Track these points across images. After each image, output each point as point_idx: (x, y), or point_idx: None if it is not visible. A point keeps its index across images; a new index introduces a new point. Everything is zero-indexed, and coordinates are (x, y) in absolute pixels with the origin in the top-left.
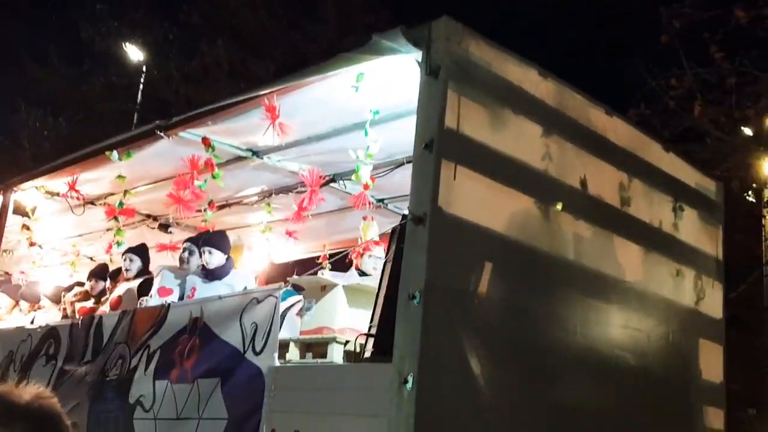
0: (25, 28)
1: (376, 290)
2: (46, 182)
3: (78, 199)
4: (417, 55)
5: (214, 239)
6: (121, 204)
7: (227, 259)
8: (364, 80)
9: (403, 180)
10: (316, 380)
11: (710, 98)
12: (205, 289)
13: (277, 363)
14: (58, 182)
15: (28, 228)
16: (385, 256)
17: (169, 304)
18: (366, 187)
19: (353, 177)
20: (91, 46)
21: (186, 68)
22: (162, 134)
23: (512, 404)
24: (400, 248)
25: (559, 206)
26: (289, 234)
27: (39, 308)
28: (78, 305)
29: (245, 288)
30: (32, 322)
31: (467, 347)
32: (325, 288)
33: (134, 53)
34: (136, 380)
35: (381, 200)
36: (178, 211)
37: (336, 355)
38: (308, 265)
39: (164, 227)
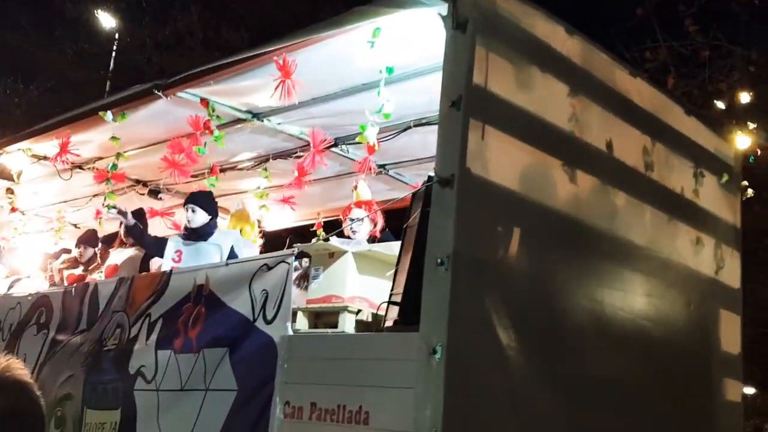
0: None
1: (397, 256)
2: (32, 145)
3: (65, 163)
4: (441, 8)
5: (198, 197)
6: (114, 167)
7: (211, 219)
8: (381, 36)
9: (407, 145)
10: (334, 350)
11: (684, 71)
12: (190, 251)
13: (290, 332)
14: (45, 145)
15: (11, 192)
16: (407, 221)
17: (171, 271)
18: (371, 150)
19: (358, 138)
20: (63, 13)
21: (159, 36)
22: (160, 94)
23: (539, 374)
24: (426, 212)
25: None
26: (286, 201)
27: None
28: (66, 272)
29: (232, 247)
30: (9, 288)
31: (496, 315)
32: (334, 255)
33: (106, 20)
34: (137, 350)
35: (382, 166)
36: (173, 175)
37: (348, 324)
38: (302, 234)
39: (154, 193)
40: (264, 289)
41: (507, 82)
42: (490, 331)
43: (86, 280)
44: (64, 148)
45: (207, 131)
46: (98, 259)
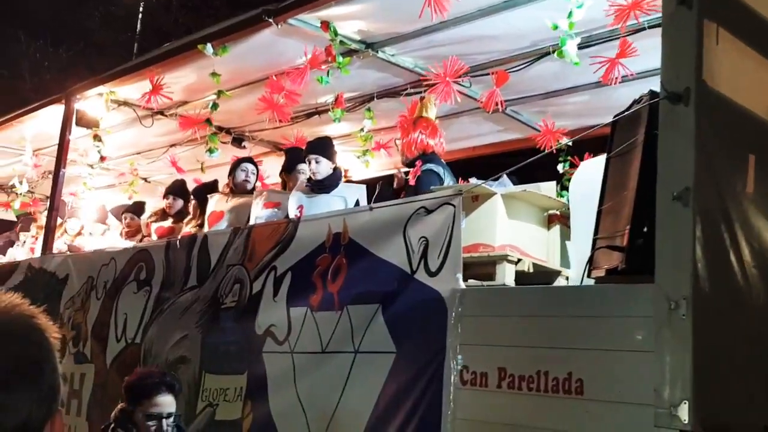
0: None
1: (600, 189)
2: (115, 88)
3: (146, 109)
4: None
5: (321, 146)
6: (215, 106)
7: (334, 169)
8: None
9: (537, 76)
10: (529, 306)
11: None
12: (313, 205)
13: (462, 284)
14: (127, 89)
15: (99, 139)
16: (610, 151)
17: (299, 218)
18: (503, 79)
19: (555, 54)
20: None
21: None
22: (271, 20)
23: None
24: (651, 135)
25: None
26: (381, 147)
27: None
28: (154, 226)
29: (357, 201)
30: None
31: (741, 260)
32: (479, 198)
33: None
34: (263, 307)
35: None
36: (272, 118)
37: (507, 276)
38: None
39: (238, 141)
40: (423, 236)
41: None
42: (734, 281)
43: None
44: (156, 89)
45: (329, 58)
46: (192, 211)
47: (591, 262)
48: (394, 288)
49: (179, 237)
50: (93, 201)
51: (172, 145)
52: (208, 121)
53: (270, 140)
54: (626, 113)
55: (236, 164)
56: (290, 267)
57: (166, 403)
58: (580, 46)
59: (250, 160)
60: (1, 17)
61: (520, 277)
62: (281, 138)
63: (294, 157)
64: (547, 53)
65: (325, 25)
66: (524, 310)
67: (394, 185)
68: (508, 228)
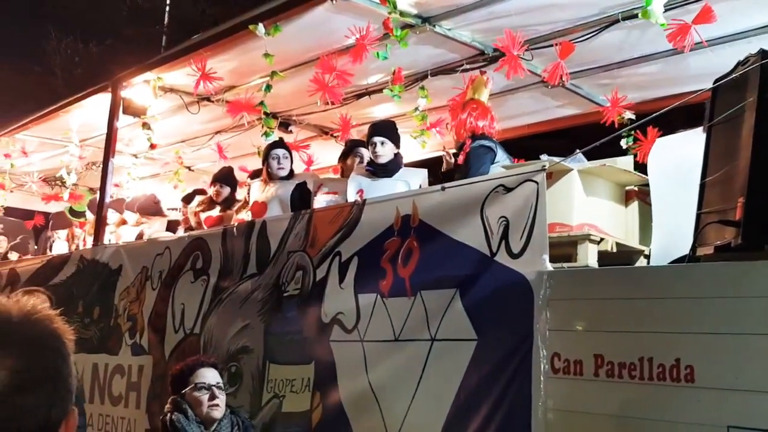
0: None
1: (703, 160)
2: (162, 74)
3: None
4: None
5: (387, 128)
6: (269, 88)
7: (396, 153)
8: None
9: (600, 47)
10: (626, 288)
11: None
12: (374, 189)
13: (549, 266)
14: (174, 75)
15: (148, 126)
16: (709, 120)
17: (364, 200)
18: (568, 51)
19: (639, 15)
20: None
21: None
22: None
23: None
24: (765, 98)
25: None
26: (433, 126)
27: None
28: (203, 215)
29: (420, 186)
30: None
31: None
32: (552, 176)
33: None
34: (329, 294)
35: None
36: (323, 99)
37: (590, 257)
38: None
39: (284, 126)
40: (503, 216)
41: None
42: None
43: (233, 220)
44: (205, 74)
45: (387, 32)
46: (237, 197)
47: (696, 239)
48: (473, 271)
49: (235, 224)
50: (137, 191)
51: (217, 132)
52: (262, 103)
53: (317, 124)
54: (731, 77)
55: (266, 152)
56: (356, 252)
57: (210, 375)
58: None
59: (279, 144)
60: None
61: (602, 257)
62: (329, 122)
63: (354, 144)
64: (616, 21)
65: None
66: (621, 292)
67: (443, 168)
68: (585, 206)
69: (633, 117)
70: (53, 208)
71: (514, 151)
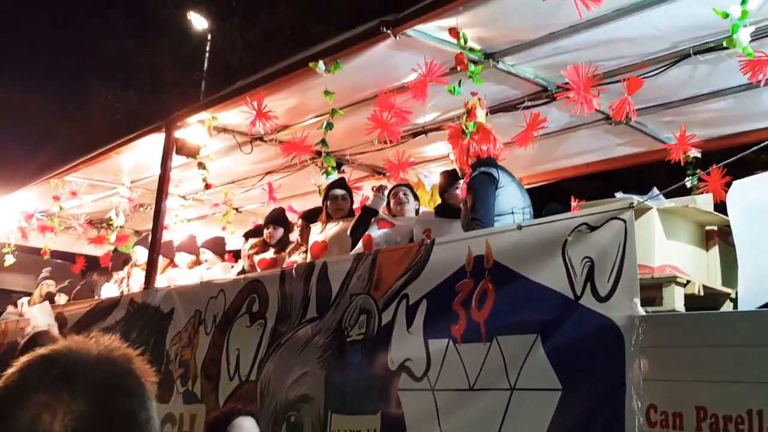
0: (90, 3)
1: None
2: (217, 113)
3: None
4: None
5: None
6: (329, 126)
7: None
8: None
9: (665, 83)
10: (730, 334)
11: None
12: (441, 229)
13: (641, 311)
14: (227, 115)
15: (203, 166)
16: None
17: (433, 240)
18: (636, 86)
19: (725, 43)
20: (156, 17)
21: (249, 35)
22: (389, 32)
23: None
24: None
25: None
26: None
27: (200, 263)
28: (257, 258)
29: None
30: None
31: None
32: None
33: (198, 21)
34: (396, 340)
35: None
36: (381, 137)
37: (677, 301)
38: None
39: (337, 165)
40: (587, 257)
41: None
42: None
43: (287, 262)
44: (261, 113)
45: (459, 67)
46: (291, 238)
47: None
48: (555, 315)
49: (294, 266)
50: (183, 233)
51: (268, 173)
52: (323, 141)
53: (368, 164)
54: None
55: (326, 191)
56: (425, 294)
57: (247, 425)
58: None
59: (339, 184)
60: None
61: (687, 300)
62: (381, 161)
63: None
64: (688, 55)
65: (454, 32)
66: (724, 338)
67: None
68: (666, 246)
69: (698, 155)
70: (96, 251)
71: (573, 191)
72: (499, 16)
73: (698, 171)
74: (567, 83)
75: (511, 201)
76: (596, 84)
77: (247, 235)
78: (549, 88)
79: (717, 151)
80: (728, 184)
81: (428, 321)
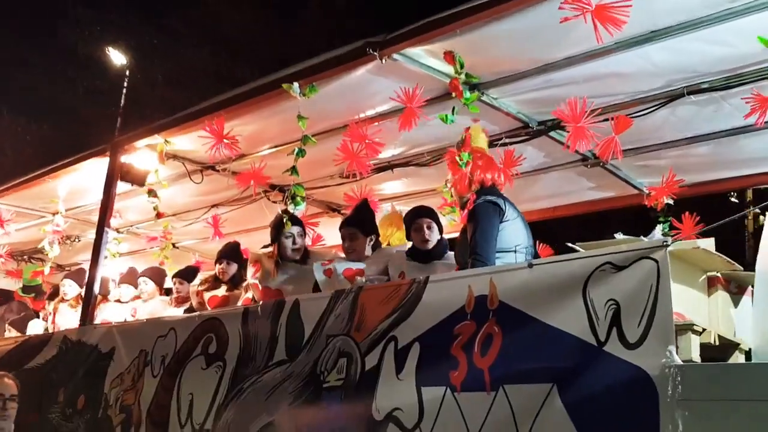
0: (5, 35)
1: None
2: (171, 137)
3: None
4: None
5: (433, 213)
6: (301, 153)
7: (440, 239)
8: None
9: (646, 125)
10: None
11: None
12: (418, 273)
13: (678, 359)
14: (180, 140)
15: (154, 194)
16: None
17: (427, 277)
18: (624, 126)
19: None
20: (73, 51)
21: (170, 73)
22: (375, 54)
23: None
24: None
25: None
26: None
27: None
28: (207, 295)
29: None
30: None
31: None
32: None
33: (117, 57)
34: (383, 386)
35: (593, 155)
36: (351, 168)
37: (693, 350)
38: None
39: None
40: (612, 299)
41: None
42: None
43: (239, 301)
44: (222, 135)
45: (455, 93)
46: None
47: None
48: (574, 363)
49: (261, 303)
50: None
51: (213, 205)
52: (294, 169)
53: (323, 200)
54: None
55: (278, 229)
56: (417, 337)
57: None
58: (720, 87)
59: (293, 220)
60: None
61: (707, 349)
62: (339, 198)
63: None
64: (681, 95)
65: (449, 56)
66: None
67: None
68: (676, 293)
69: (671, 202)
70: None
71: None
72: (490, 42)
73: (670, 218)
74: (552, 120)
75: (516, 237)
76: (591, 122)
77: (181, 275)
78: (530, 125)
79: (692, 197)
80: (702, 233)
81: (422, 366)
